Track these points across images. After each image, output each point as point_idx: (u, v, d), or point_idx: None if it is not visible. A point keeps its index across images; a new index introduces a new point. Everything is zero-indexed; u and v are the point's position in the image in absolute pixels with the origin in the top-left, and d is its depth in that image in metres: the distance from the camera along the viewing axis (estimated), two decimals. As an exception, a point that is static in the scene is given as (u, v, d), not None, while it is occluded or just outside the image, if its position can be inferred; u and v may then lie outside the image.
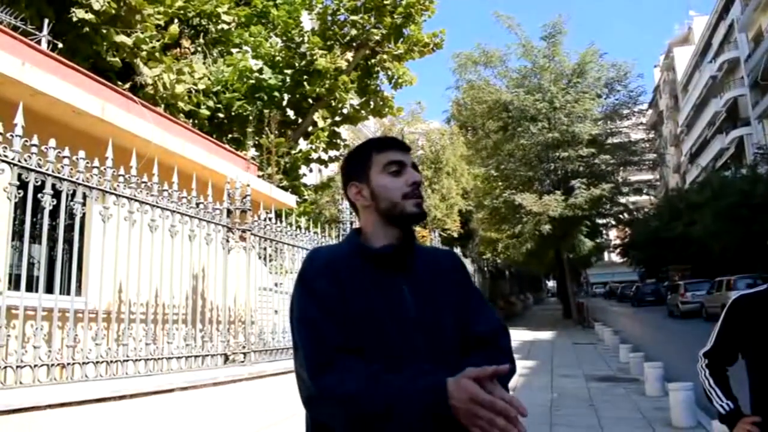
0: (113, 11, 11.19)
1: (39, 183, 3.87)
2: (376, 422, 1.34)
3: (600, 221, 30.34)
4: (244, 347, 5.87)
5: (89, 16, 10.88)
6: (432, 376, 1.36)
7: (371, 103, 18.00)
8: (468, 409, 1.28)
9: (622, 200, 28.62)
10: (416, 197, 1.61)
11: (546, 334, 21.74)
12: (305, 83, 15.68)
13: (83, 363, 4.04)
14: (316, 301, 1.50)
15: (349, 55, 16.27)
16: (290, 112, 17.07)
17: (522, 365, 13.08)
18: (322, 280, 1.52)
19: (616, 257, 59.41)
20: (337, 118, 18.26)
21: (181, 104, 13.02)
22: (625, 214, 29.83)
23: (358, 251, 1.60)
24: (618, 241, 48.33)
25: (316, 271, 1.55)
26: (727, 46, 44.40)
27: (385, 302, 1.53)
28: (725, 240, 27.24)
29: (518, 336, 20.95)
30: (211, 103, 14.38)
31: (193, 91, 13.74)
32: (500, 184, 27.87)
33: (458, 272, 1.72)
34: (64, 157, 4.06)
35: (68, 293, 4.66)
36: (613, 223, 31.70)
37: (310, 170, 19.55)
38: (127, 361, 4.41)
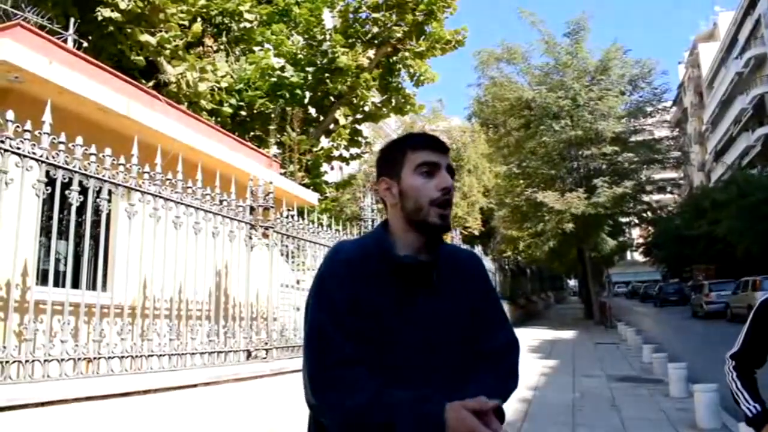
0: (139, 10, 11.33)
1: (66, 180, 3.92)
2: None
3: (623, 220, 29.95)
4: (266, 343, 5.90)
5: (114, 15, 11.03)
6: (430, 404, 1.37)
7: (393, 100, 18.00)
8: None
9: (646, 198, 28.22)
10: (443, 206, 1.55)
11: (567, 334, 21.58)
12: (327, 81, 15.74)
13: (109, 357, 4.09)
14: (327, 308, 1.50)
15: (371, 52, 16.30)
16: (312, 110, 17.14)
17: (543, 364, 13.00)
18: (338, 284, 1.51)
19: (639, 256, 58.83)
20: (359, 116, 18.30)
21: (204, 102, 13.14)
22: (649, 213, 29.43)
23: (382, 256, 1.57)
24: (641, 240, 47.81)
25: (334, 273, 1.54)
26: (754, 42, 43.62)
27: (399, 315, 1.52)
28: (751, 239, 26.80)
29: (539, 335, 20.83)
30: (233, 101, 14.49)
31: (216, 89, 13.86)
32: (522, 182, 27.62)
33: (479, 279, 1.70)
34: (90, 154, 4.10)
35: (94, 289, 4.74)
36: (636, 221, 31.27)
37: (332, 168, 19.66)
38: (152, 356, 4.46)
